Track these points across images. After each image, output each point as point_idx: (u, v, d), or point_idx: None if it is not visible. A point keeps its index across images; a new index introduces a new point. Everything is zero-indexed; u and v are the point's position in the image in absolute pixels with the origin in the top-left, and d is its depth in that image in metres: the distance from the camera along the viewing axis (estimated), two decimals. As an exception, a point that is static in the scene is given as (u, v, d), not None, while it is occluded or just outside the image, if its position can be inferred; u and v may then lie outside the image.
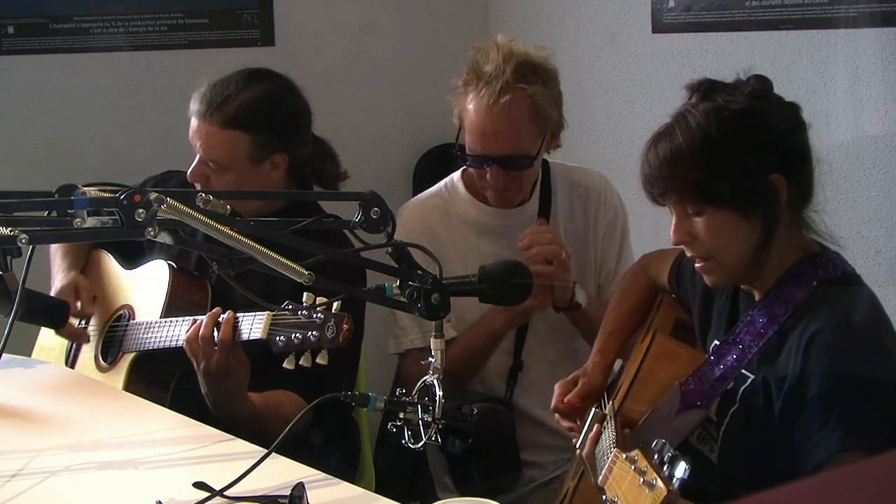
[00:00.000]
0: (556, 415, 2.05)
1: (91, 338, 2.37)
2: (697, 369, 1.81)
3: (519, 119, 2.27)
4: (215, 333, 2.01)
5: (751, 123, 1.71)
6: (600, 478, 1.70)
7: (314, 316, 1.81)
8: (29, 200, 1.53)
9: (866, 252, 2.75)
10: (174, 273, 2.27)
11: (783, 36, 2.89)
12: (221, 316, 2.01)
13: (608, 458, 1.69)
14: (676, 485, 1.43)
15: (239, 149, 2.24)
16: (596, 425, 1.85)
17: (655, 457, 1.48)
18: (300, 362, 1.82)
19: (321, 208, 2.25)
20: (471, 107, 2.29)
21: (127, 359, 2.25)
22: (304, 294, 1.78)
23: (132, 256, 2.42)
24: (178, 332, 2.13)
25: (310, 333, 1.82)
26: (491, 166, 2.32)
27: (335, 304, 1.73)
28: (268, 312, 1.90)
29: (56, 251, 2.47)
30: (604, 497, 1.62)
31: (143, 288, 2.34)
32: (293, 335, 1.84)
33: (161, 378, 2.23)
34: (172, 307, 2.22)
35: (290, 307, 1.81)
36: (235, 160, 2.24)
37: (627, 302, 2.14)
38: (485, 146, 2.30)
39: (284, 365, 1.83)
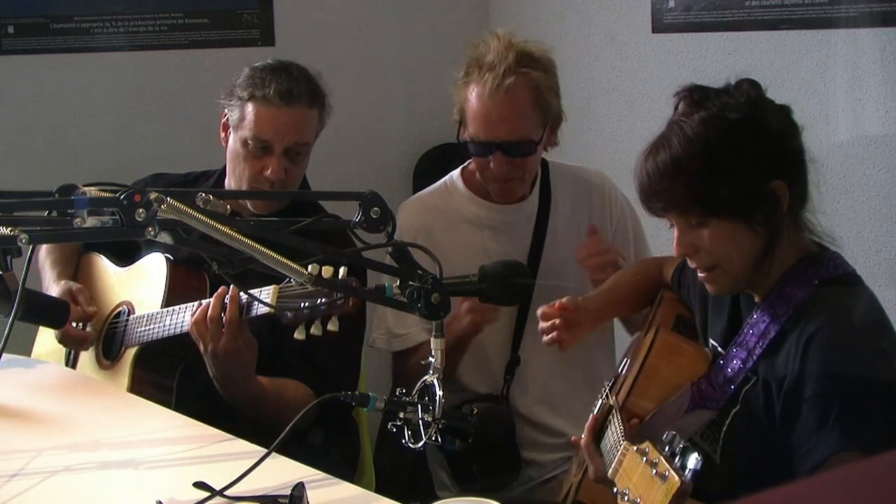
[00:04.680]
0: (540, 318, 2.07)
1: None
2: (708, 371, 1.81)
3: (522, 103, 2.29)
4: (222, 315, 2.01)
5: (751, 132, 1.71)
6: (610, 470, 1.70)
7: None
8: (29, 200, 1.53)
9: (866, 252, 2.75)
10: (172, 265, 2.27)
11: (783, 36, 2.89)
12: (227, 297, 2.02)
13: (618, 451, 1.69)
14: (689, 476, 1.43)
15: (316, 127, 2.32)
16: (591, 416, 1.85)
17: (666, 448, 1.48)
18: (311, 331, 1.81)
19: (322, 207, 2.25)
20: (473, 95, 2.30)
21: (130, 353, 2.24)
22: (310, 266, 1.78)
23: (127, 255, 2.41)
24: (181, 319, 2.12)
25: (319, 301, 1.82)
26: (495, 153, 2.32)
27: (342, 271, 1.73)
28: (274, 286, 1.90)
29: (45, 261, 2.46)
30: (614, 489, 1.62)
31: (141, 282, 2.33)
32: (302, 305, 1.84)
33: (166, 368, 2.22)
34: (173, 298, 2.22)
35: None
36: (313, 141, 2.32)
37: (635, 274, 2.19)
38: (489, 132, 2.30)
39: (295, 335, 1.82)
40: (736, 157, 1.69)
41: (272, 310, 1.90)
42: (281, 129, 2.23)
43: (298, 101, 2.24)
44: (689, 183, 1.69)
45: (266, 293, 1.93)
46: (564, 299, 2.07)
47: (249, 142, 2.24)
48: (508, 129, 2.29)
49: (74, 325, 2.32)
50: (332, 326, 1.81)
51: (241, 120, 2.27)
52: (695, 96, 1.74)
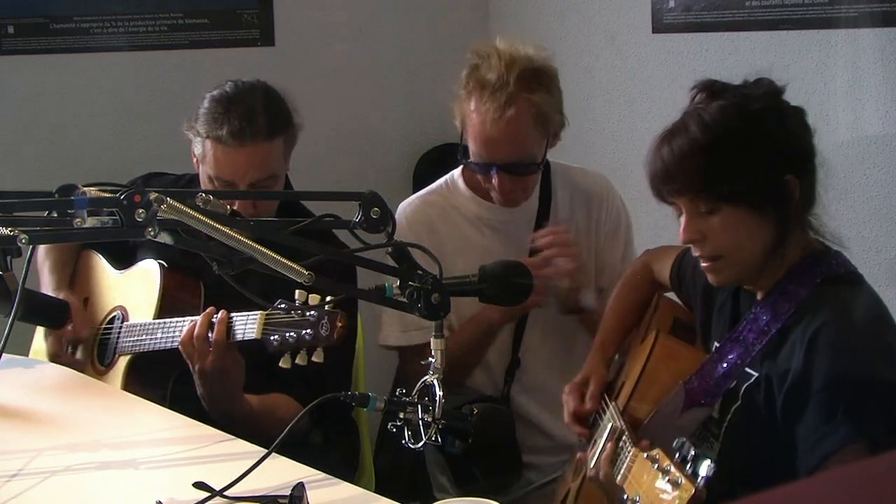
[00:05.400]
0: (571, 425, 2.03)
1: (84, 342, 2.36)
2: (701, 367, 1.81)
3: (524, 129, 2.29)
4: (210, 334, 2.01)
5: (770, 123, 1.72)
6: (618, 477, 1.69)
7: (307, 314, 1.81)
8: (29, 200, 1.53)
9: (866, 252, 2.75)
10: (166, 273, 2.26)
11: (783, 36, 2.89)
12: (215, 316, 2.02)
13: (626, 458, 1.69)
14: (702, 483, 1.43)
15: (282, 152, 2.26)
16: (609, 444, 1.82)
17: (677, 455, 1.48)
18: (296, 360, 1.82)
19: (309, 210, 2.25)
20: (475, 116, 2.29)
21: (123, 361, 2.24)
22: (297, 291, 1.77)
23: (123, 258, 2.41)
24: (173, 333, 2.12)
25: (304, 332, 1.83)
26: (497, 173, 2.33)
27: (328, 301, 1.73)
28: (261, 312, 1.90)
29: (43, 266, 2.45)
30: (624, 497, 1.61)
31: (136, 288, 2.33)
32: (287, 334, 1.84)
33: (159, 379, 2.22)
34: (165, 306, 2.22)
35: (284, 306, 1.82)
36: (282, 166, 2.26)
37: (627, 298, 2.15)
38: (490, 155, 2.32)
39: (280, 364, 1.83)
40: (754, 145, 1.71)
41: (258, 335, 1.90)
42: (240, 169, 2.20)
43: (255, 138, 2.18)
44: (705, 167, 1.70)
45: (252, 319, 1.93)
46: (589, 400, 2.01)
47: (213, 180, 2.22)
48: (510, 153, 2.31)
49: (66, 348, 2.32)
50: (318, 358, 1.82)
51: (203, 156, 2.25)
52: (713, 88, 1.76)
